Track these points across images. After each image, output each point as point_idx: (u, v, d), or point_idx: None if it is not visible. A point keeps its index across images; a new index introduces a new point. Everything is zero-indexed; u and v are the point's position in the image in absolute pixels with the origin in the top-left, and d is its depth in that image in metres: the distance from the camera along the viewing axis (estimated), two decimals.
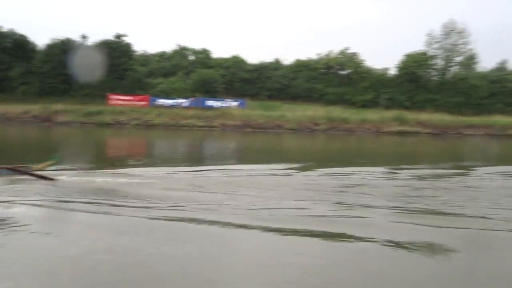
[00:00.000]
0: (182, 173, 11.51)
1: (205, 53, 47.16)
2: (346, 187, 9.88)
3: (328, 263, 5.18)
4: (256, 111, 41.68)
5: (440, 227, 6.72)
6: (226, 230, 6.30)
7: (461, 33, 50.75)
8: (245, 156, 19.68)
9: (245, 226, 6.42)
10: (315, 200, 8.34)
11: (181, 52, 47.82)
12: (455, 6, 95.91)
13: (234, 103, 42.57)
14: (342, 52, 50.88)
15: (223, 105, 42.20)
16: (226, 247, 5.56)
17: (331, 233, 6.31)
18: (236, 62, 47.44)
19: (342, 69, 51.51)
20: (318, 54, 51.42)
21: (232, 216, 6.90)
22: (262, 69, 48.51)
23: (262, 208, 7.56)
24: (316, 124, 39.73)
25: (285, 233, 6.19)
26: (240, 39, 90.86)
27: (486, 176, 12.52)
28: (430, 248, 5.76)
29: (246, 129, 38.12)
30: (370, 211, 7.52)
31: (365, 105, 47.72)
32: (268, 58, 52.17)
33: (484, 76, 51.21)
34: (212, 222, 6.53)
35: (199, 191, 8.91)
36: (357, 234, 6.18)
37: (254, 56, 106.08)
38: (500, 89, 48.68)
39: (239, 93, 46.79)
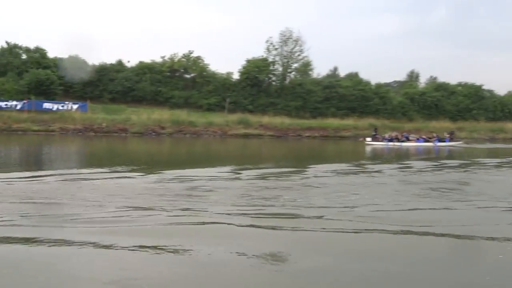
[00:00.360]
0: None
1: (39, 52, 46.18)
2: (192, 189, 10.71)
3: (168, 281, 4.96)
4: (99, 114, 42.05)
5: (281, 229, 7.11)
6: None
7: (296, 41, 56.48)
8: (87, 161, 19.99)
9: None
10: (158, 206, 8.51)
11: (11, 50, 46.08)
12: (293, 14, 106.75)
13: (75, 106, 42.38)
14: (186, 56, 53.57)
15: (62, 108, 41.47)
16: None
17: (172, 246, 6.03)
18: (75, 63, 47.41)
19: (187, 73, 54.14)
20: (162, 57, 53.36)
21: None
22: (104, 70, 48.96)
23: (95, 217, 7.54)
24: (162, 128, 41.82)
25: (117, 248, 5.91)
26: (79, 39, 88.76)
27: (322, 174, 14.37)
28: (272, 255, 5.81)
29: (88, 133, 38.58)
30: (219, 216, 7.82)
31: (210, 108, 50.35)
32: (110, 59, 52.70)
33: (318, 82, 57.48)
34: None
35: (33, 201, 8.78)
36: (196, 247, 6.01)
37: (95, 56, 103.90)
38: (333, 94, 55.24)
39: (79, 95, 46.22)
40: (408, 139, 35.82)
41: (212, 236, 6.71)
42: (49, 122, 39.26)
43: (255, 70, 53.15)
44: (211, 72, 54.51)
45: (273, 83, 56.88)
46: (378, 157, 25.03)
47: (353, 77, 65.84)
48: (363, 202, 9.68)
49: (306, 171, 15.52)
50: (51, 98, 43.06)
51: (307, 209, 8.78)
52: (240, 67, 54.87)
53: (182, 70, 53.43)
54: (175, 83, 52.05)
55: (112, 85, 48.59)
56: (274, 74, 56.85)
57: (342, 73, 72.12)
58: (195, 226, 7.23)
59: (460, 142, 36.71)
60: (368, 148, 30.68)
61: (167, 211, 8.20)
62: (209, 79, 53.28)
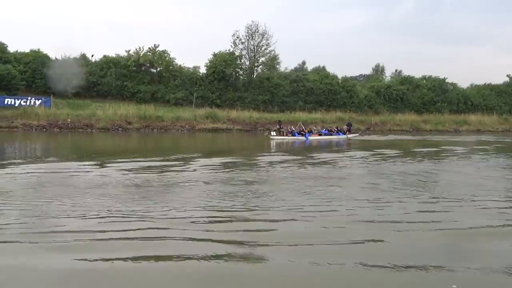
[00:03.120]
0: None
1: None
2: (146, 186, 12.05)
3: None
4: (63, 110, 41.64)
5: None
6: None
7: (263, 34, 57.28)
8: (53, 155, 20.31)
9: None
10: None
11: None
12: (260, 8, 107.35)
13: (38, 101, 41.65)
14: (152, 50, 53.42)
15: (25, 103, 40.69)
16: None
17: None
18: (37, 57, 46.83)
19: (153, 67, 54.33)
20: (127, 51, 53.16)
21: None
22: (67, 64, 48.57)
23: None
24: (129, 123, 41.76)
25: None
26: (40, 33, 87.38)
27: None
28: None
29: (53, 130, 38.34)
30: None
31: (177, 103, 50.52)
32: (73, 53, 52.07)
33: (286, 76, 58.45)
34: None
35: None
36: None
37: (58, 51, 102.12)
38: (300, 88, 56.31)
39: (43, 90, 45.81)
40: (311, 133, 35.20)
41: None
42: (11, 118, 38.65)
43: (222, 64, 53.48)
44: (178, 67, 54.54)
45: (241, 77, 57.37)
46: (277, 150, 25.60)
47: (320, 71, 67.10)
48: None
49: (188, 165, 16.30)
50: (12, 93, 42.38)
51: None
52: (207, 61, 55.27)
53: (148, 65, 53.23)
54: (141, 78, 51.91)
55: (76, 80, 48.07)
56: (241, 68, 57.32)
57: (310, 67, 73.38)
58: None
59: (356, 135, 38.18)
60: (272, 143, 30.44)
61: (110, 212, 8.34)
62: (176, 73, 53.34)
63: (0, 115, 38.71)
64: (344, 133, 36.82)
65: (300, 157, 20.26)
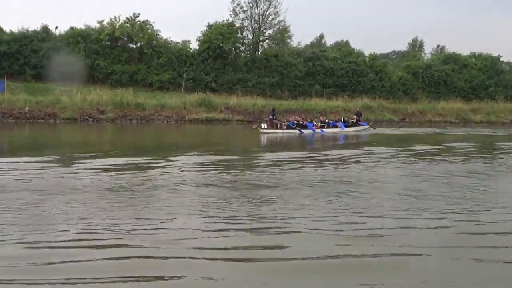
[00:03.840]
0: None
1: None
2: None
3: None
4: (20, 96, 41.47)
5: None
6: None
7: (270, 1, 57.43)
8: (7, 151, 20.11)
9: None
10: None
11: None
12: None
13: None
14: (131, 20, 52.79)
15: None
16: None
17: None
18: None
19: (132, 42, 54.00)
20: (100, 22, 52.73)
21: None
22: (25, 39, 48.47)
23: None
24: (102, 112, 41.78)
25: None
26: None
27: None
28: None
29: (6, 120, 38.21)
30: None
31: (162, 87, 50.82)
32: (33, 25, 52.07)
33: (299, 53, 58.55)
34: None
35: None
36: None
37: (13, 22, 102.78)
38: (317, 69, 56.54)
39: None
40: (313, 125, 34.58)
41: None
42: None
43: (219, 38, 53.66)
44: (163, 41, 54.56)
45: (242, 54, 57.52)
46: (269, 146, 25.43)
47: (342, 46, 67.00)
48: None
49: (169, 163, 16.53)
50: None
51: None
52: (199, 35, 55.43)
53: (126, 39, 53.19)
54: (117, 55, 51.92)
55: (36, 58, 48.17)
56: (243, 43, 57.50)
57: (329, 41, 73.24)
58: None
59: (366, 127, 37.74)
60: (262, 138, 29.98)
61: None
62: (161, 49, 53.36)
63: None
64: (351, 125, 36.72)
65: (310, 155, 20.30)
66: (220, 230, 8.06)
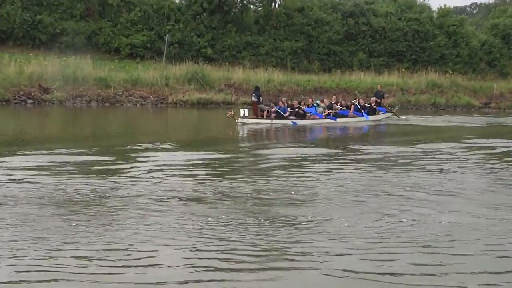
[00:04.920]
0: None
1: None
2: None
3: None
4: None
5: None
6: None
7: None
8: None
9: None
10: None
11: None
12: None
13: None
14: None
15: None
16: None
17: None
18: None
19: None
20: None
21: None
22: None
23: None
24: (46, 90, 40.82)
25: None
26: None
27: None
28: None
29: None
30: None
31: (135, 54, 51.15)
32: None
33: (335, 6, 58.35)
34: None
35: None
36: None
37: None
38: (362, 29, 56.29)
39: None
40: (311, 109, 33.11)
41: None
42: None
43: None
44: None
45: (252, 7, 57.27)
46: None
47: None
48: None
49: None
50: None
51: None
52: None
53: None
54: (68, 8, 51.81)
55: None
56: None
57: None
58: None
59: (387, 114, 36.14)
60: (240, 129, 28.85)
61: None
62: (132, 0, 53.09)
63: None
64: (371, 112, 35.15)
65: (334, 150, 20.49)
66: (216, 269, 7.66)
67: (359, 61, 54.89)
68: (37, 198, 11.13)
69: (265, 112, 31.99)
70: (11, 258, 7.73)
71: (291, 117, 31.72)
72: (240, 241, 8.74)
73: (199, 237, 8.89)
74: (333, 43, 55.45)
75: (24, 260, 7.68)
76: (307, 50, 54.81)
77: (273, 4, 57.38)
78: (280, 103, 32.68)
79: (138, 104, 42.28)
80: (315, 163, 17.24)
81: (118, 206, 10.73)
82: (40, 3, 51.21)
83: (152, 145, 21.01)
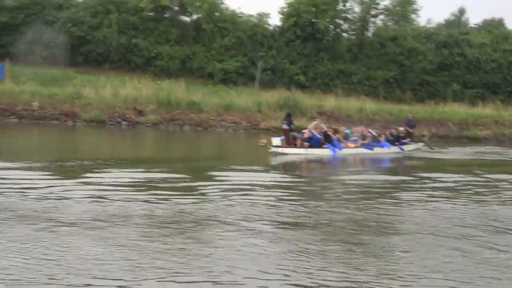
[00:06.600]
0: None
1: None
2: None
3: None
4: (27, 86, 41.95)
5: None
6: None
7: None
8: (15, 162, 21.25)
9: None
10: None
11: None
12: None
13: None
14: None
15: None
16: None
17: None
18: None
19: (185, 13, 54.90)
20: None
21: None
22: (35, 6, 49.27)
23: None
24: (140, 113, 41.92)
25: None
26: None
27: None
28: None
29: (7, 119, 39.08)
30: None
31: (228, 79, 51.37)
32: None
33: (429, 35, 58.05)
34: None
35: None
36: None
37: None
38: (456, 59, 55.64)
39: None
40: (346, 138, 31.35)
41: None
42: None
43: (311, 11, 53.91)
44: (230, 14, 54.84)
45: (345, 35, 57.21)
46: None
47: (493, 27, 65.64)
48: None
49: None
50: None
51: None
52: (283, 6, 55.74)
53: (177, 8, 53.82)
54: (163, 32, 52.49)
55: (50, 34, 49.11)
56: (346, 19, 57.33)
57: (474, 20, 71.93)
58: None
59: (419, 145, 34.16)
60: (273, 159, 27.12)
61: None
62: (226, 25, 53.64)
63: None
64: (398, 142, 33.28)
65: (405, 177, 20.94)
66: None
67: (452, 92, 54.17)
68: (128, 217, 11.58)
69: (298, 141, 29.58)
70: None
71: (326, 144, 29.34)
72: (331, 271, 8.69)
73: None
74: (426, 73, 55.01)
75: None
76: (399, 80, 54.47)
77: (365, 32, 57.16)
78: (307, 131, 29.70)
79: (230, 129, 42.41)
80: (394, 191, 17.43)
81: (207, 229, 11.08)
82: (136, 28, 52.21)
83: (241, 167, 21.19)
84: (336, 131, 30.84)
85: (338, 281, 8.22)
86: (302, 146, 29.05)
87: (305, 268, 8.65)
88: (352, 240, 10.44)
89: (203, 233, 10.62)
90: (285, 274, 8.36)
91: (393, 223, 12.31)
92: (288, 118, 31.29)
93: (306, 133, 29.16)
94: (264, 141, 28.52)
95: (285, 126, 30.65)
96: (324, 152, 28.96)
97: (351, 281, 8.21)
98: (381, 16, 58.23)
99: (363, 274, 8.46)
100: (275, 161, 26.70)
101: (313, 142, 28.87)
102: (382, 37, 56.11)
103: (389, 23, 57.98)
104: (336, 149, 29.21)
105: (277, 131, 42.13)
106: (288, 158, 27.67)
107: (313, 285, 8.01)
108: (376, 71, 54.22)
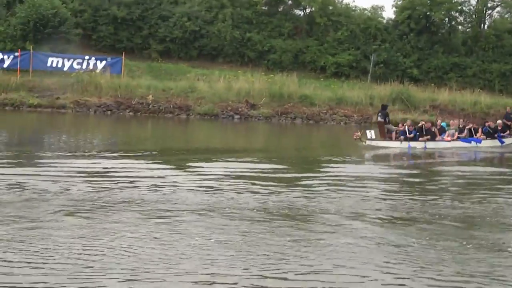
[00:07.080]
0: None
1: None
2: None
3: None
4: (142, 80, 43.02)
5: None
6: None
7: None
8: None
9: None
10: None
11: None
12: None
13: (100, 64, 43.30)
14: None
15: (79, 66, 42.58)
16: None
17: None
18: None
19: (299, 7, 55.19)
20: None
21: None
22: (151, 1, 50.58)
23: None
24: (253, 106, 42.13)
25: None
26: None
27: None
28: None
29: (123, 113, 39.73)
30: None
31: (340, 72, 51.29)
32: None
33: None
34: None
35: None
36: None
37: None
38: None
39: (108, 45, 48.49)
40: (444, 131, 29.73)
41: None
42: (56, 91, 40.26)
43: (426, 3, 53.50)
44: (343, 7, 54.70)
45: (460, 28, 56.49)
46: None
47: None
48: None
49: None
50: (59, 49, 44.40)
51: None
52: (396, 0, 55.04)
53: (290, 2, 53.94)
54: (276, 26, 52.71)
55: (166, 28, 49.82)
56: (461, 12, 56.58)
57: None
58: None
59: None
60: (367, 154, 26.46)
61: None
62: (340, 19, 53.50)
63: (41, 86, 40.48)
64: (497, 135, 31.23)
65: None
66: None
67: None
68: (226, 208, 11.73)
69: (394, 134, 29.00)
70: None
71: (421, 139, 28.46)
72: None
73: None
74: None
75: None
76: None
77: (482, 25, 56.08)
78: (400, 125, 29.58)
79: (342, 123, 42.28)
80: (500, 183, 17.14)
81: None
82: (250, 22, 52.49)
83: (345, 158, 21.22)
84: (432, 124, 30.18)
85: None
86: (397, 139, 28.41)
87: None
88: (464, 236, 10.04)
89: (317, 227, 10.46)
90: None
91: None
92: (383, 110, 30.29)
93: (401, 127, 28.85)
94: (359, 134, 27.90)
95: (380, 119, 29.82)
96: (419, 145, 28.17)
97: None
98: (498, 8, 57.13)
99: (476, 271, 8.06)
100: (371, 154, 26.43)
101: (407, 134, 28.18)
102: (499, 30, 54.93)
103: (506, 15, 56.75)
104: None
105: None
106: (385, 151, 27.53)
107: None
108: (492, 64, 53.15)
